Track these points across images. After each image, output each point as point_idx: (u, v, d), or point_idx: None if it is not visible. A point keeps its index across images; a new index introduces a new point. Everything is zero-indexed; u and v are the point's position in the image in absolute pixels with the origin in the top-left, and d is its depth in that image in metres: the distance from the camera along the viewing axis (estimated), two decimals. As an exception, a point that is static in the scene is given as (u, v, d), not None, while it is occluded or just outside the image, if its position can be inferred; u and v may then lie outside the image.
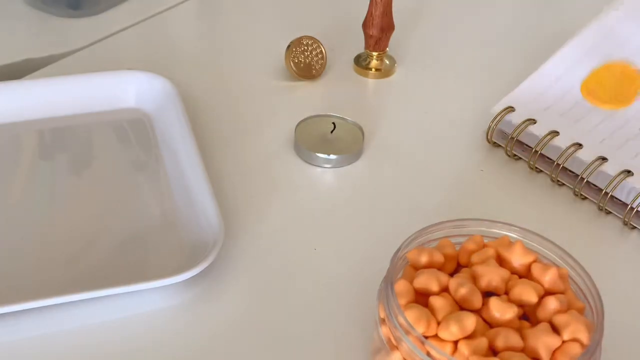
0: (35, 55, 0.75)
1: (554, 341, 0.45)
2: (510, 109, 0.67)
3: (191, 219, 0.59)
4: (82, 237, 0.58)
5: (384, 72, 0.76)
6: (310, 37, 0.74)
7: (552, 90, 0.69)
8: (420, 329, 0.45)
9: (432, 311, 0.46)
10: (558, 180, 0.65)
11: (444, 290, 0.47)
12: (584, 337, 0.45)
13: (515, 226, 0.52)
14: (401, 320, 0.45)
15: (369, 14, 0.74)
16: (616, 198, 0.62)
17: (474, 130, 0.70)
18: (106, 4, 0.82)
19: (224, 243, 0.56)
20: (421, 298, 0.47)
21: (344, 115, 0.69)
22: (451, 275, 0.49)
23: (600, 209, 0.63)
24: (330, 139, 0.67)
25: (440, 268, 0.49)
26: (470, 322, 0.45)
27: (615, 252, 0.61)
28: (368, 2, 0.73)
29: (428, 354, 0.44)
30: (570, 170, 0.64)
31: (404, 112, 0.72)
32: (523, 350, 0.45)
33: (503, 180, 0.66)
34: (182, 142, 0.63)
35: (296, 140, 0.67)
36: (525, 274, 0.49)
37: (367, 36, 0.75)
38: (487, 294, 0.48)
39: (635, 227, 0.62)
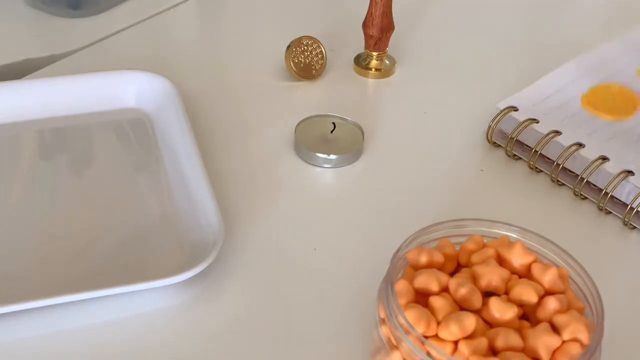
0: (35, 55, 0.75)
1: (554, 341, 0.45)
2: (513, 108, 0.67)
3: (191, 219, 0.59)
4: (81, 237, 0.58)
5: (384, 72, 0.76)
6: (310, 37, 0.73)
7: (553, 97, 0.69)
8: (420, 329, 0.45)
9: (432, 311, 0.46)
10: (558, 180, 0.65)
11: (444, 290, 0.47)
12: (584, 337, 0.45)
13: (515, 226, 0.52)
14: (401, 320, 0.45)
15: (369, 14, 0.74)
16: (616, 198, 0.63)
17: (473, 130, 0.70)
18: (106, 4, 0.82)
19: (224, 243, 0.56)
20: (421, 298, 0.47)
21: (344, 115, 0.68)
22: (451, 275, 0.49)
23: (600, 209, 0.63)
24: (330, 139, 0.67)
25: (440, 268, 0.49)
26: (470, 322, 0.45)
27: (615, 252, 0.61)
28: (368, 2, 0.73)
29: (428, 354, 0.44)
30: (570, 170, 0.64)
31: (404, 112, 0.72)
32: (523, 350, 0.45)
33: (503, 180, 0.66)
34: (182, 142, 0.63)
35: (296, 140, 0.67)
36: (525, 274, 0.49)
37: (367, 36, 0.75)
38: (487, 294, 0.48)
39: (635, 227, 0.62)
